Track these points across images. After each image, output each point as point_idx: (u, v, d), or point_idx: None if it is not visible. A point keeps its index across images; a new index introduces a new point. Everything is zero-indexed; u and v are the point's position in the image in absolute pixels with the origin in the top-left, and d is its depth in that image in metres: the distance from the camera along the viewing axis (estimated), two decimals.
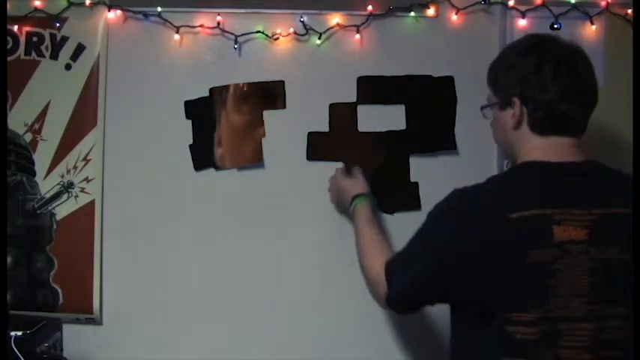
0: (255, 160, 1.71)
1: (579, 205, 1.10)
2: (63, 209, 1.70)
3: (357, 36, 1.71)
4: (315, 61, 1.72)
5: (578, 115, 1.19)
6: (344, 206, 1.62)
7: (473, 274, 1.10)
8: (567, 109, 1.16)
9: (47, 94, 1.70)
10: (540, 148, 1.18)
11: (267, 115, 1.72)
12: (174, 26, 1.69)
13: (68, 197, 1.70)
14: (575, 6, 1.72)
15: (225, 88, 1.71)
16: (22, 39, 1.70)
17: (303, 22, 1.69)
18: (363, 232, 1.46)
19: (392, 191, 1.73)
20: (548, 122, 1.17)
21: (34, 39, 1.70)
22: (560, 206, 1.10)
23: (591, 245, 1.09)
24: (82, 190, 1.70)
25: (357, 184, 1.59)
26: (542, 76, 1.16)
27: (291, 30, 1.70)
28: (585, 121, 1.21)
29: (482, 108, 1.32)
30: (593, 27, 1.73)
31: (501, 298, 1.09)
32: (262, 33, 1.70)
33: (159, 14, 1.69)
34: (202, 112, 1.71)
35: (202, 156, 1.72)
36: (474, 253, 1.10)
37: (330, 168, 1.72)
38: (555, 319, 1.08)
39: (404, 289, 1.22)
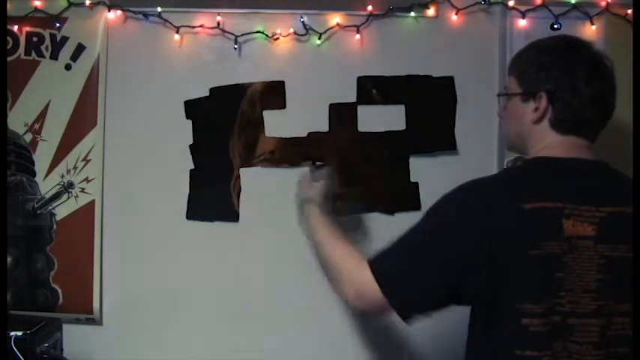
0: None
1: (588, 201, 1.11)
2: (63, 209, 1.70)
3: (357, 36, 1.71)
4: (315, 61, 1.72)
5: (599, 122, 1.20)
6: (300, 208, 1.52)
7: (487, 266, 1.09)
8: (592, 114, 1.18)
9: (47, 94, 1.70)
10: (557, 146, 1.19)
11: (267, 115, 1.72)
12: (174, 26, 1.69)
13: (68, 197, 1.70)
14: (575, 6, 1.72)
15: (226, 88, 1.71)
16: (22, 39, 1.70)
17: (303, 22, 1.69)
18: (319, 226, 1.39)
19: (392, 191, 1.73)
20: (572, 124, 1.18)
21: (34, 39, 1.70)
22: (570, 201, 1.10)
23: (599, 242, 1.10)
24: (82, 190, 1.70)
25: (315, 191, 1.51)
26: (575, 79, 1.16)
27: (291, 30, 1.70)
28: (603, 127, 1.22)
29: (499, 95, 1.32)
30: (593, 27, 1.73)
31: (515, 289, 1.09)
32: (262, 33, 1.70)
33: (159, 14, 1.69)
34: (202, 112, 1.71)
35: (202, 156, 1.72)
36: (489, 245, 1.09)
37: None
38: (565, 314, 1.08)
39: (412, 293, 1.14)
